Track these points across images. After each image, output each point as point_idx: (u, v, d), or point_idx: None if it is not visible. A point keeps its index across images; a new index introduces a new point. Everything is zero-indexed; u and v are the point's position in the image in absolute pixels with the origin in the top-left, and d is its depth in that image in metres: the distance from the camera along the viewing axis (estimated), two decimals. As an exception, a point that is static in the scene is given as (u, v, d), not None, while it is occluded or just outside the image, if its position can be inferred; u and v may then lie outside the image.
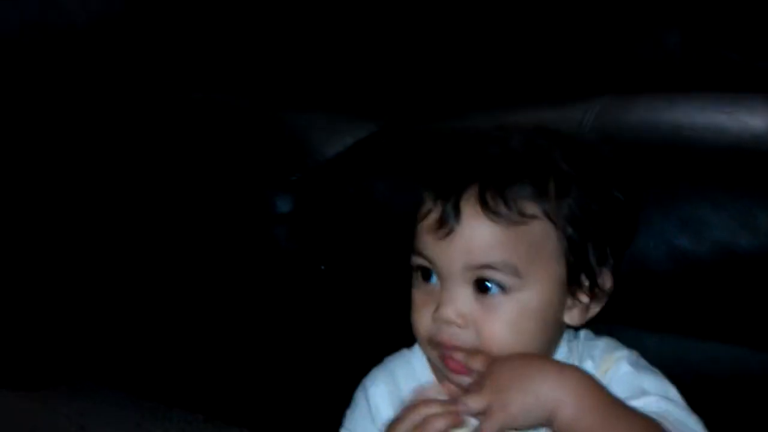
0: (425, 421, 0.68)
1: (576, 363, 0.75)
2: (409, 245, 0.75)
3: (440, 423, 0.68)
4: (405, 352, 0.81)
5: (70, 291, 1.45)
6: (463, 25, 1.49)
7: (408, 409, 0.70)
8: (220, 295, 1.28)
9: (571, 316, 0.74)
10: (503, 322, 0.70)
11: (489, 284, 0.70)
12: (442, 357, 0.73)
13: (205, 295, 1.30)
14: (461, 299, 0.71)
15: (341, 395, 1.22)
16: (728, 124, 0.94)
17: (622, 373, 0.74)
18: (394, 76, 1.51)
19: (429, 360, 0.77)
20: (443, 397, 0.73)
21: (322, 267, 1.18)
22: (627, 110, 1.03)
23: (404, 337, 0.88)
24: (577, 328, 0.77)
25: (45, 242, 1.42)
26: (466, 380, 0.71)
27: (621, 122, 1.00)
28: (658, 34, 1.39)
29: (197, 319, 1.32)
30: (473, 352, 0.71)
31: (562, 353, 0.76)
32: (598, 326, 0.80)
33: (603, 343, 0.77)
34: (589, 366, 0.75)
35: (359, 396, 0.82)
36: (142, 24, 1.68)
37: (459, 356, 0.71)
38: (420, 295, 0.74)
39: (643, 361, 0.76)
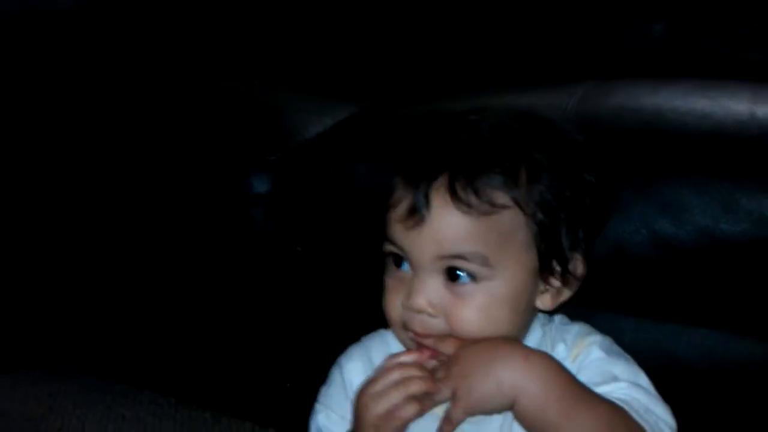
0: (403, 381, 0.69)
1: (548, 347, 0.75)
2: (382, 228, 0.75)
3: (418, 385, 0.69)
4: (382, 331, 0.81)
5: (42, 273, 1.43)
6: (449, 7, 1.48)
7: (384, 370, 0.71)
8: (194, 275, 1.26)
9: (543, 301, 0.74)
10: (474, 309, 0.70)
11: (459, 273, 0.70)
12: (413, 341, 0.73)
13: (179, 275, 1.28)
14: (432, 288, 0.71)
15: (316, 377, 1.21)
16: (711, 109, 0.94)
17: (594, 357, 0.74)
18: (377, 57, 1.50)
19: (402, 342, 0.77)
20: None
21: (299, 248, 1.17)
22: (610, 95, 1.03)
23: (379, 319, 0.87)
24: (552, 313, 0.77)
25: (16, 222, 1.40)
26: (435, 364, 0.71)
27: (604, 107, 0.99)
28: (644, 24, 1.39)
29: (170, 300, 1.31)
30: (444, 336, 0.71)
31: (535, 337, 0.76)
32: (576, 310, 0.80)
33: (576, 328, 0.78)
34: (561, 349, 0.75)
35: (334, 372, 0.82)
36: (126, 5, 1.66)
37: (429, 341, 0.72)
38: (392, 281, 0.74)
39: (616, 347, 0.76)
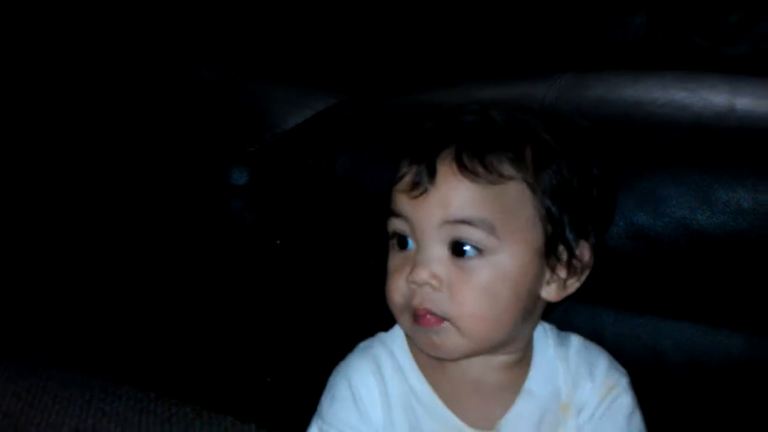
0: None
1: (566, 376, 0.76)
2: (370, 221, 0.75)
3: None
4: (383, 337, 0.78)
5: (18, 268, 1.42)
6: (427, 1, 1.47)
7: None
8: (173, 269, 1.26)
9: (548, 291, 0.73)
10: (477, 286, 0.69)
11: (465, 247, 0.69)
12: (413, 321, 0.71)
13: (158, 269, 1.27)
14: (437, 260, 0.69)
15: (296, 371, 1.21)
16: (690, 101, 0.94)
17: (622, 405, 0.76)
18: (356, 49, 1.49)
19: (406, 338, 0.76)
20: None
21: (278, 241, 1.16)
22: (588, 86, 1.02)
23: (360, 313, 0.87)
24: (552, 307, 0.76)
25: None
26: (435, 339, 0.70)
27: (582, 98, 0.99)
28: (623, 16, 1.38)
29: (148, 294, 1.30)
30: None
31: (546, 355, 0.76)
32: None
33: (605, 362, 0.77)
34: (587, 389, 0.75)
35: (341, 387, 0.76)
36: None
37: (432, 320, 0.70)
38: (396, 262, 0.73)
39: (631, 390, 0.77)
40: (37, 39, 1.53)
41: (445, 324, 0.70)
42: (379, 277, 0.75)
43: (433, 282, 0.69)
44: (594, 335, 0.80)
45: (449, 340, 0.71)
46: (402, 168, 0.72)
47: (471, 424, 0.74)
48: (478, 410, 0.74)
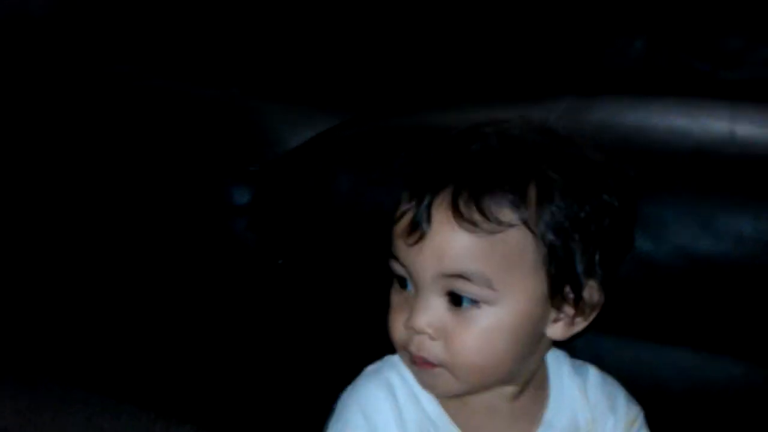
0: None
1: (585, 403, 0.75)
2: (371, 241, 0.74)
3: None
4: (393, 360, 0.75)
5: (20, 284, 1.41)
6: (431, 22, 1.48)
7: None
8: (174, 287, 1.25)
9: (554, 330, 0.70)
10: (475, 336, 0.67)
11: (462, 297, 0.67)
12: (412, 362, 0.71)
13: (159, 287, 1.27)
14: (433, 309, 0.68)
15: (297, 392, 1.21)
16: (690, 128, 0.94)
17: None
18: (359, 69, 1.50)
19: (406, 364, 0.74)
20: None
21: (280, 261, 1.16)
22: (589, 111, 1.03)
23: (361, 333, 0.86)
24: (560, 344, 0.75)
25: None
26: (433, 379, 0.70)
27: (583, 123, 0.99)
28: (624, 40, 1.39)
29: (149, 312, 1.29)
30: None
31: (562, 385, 0.76)
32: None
33: (623, 395, 0.77)
34: (609, 423, 0.75)
35: (353, 414, 0.72)
36: (100, 12, 1.65)
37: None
38: (397, 299, 0.72)
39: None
40: (40, 55, 1.53)
41: (439, 369, 0.69)
42: (382, 298, 0.74)
43: (429, 331, 0.68)
44: (593, 362, 0.80)
45: (442, 382, 0.70)
46: (402, 201, 0.70)
47: None
48: None
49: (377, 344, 0.78)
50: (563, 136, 0.72)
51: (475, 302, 0.67)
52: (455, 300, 0.67)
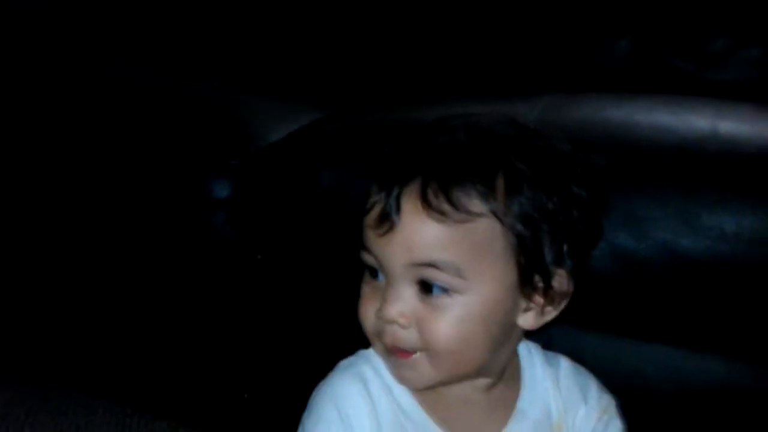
0: None
1: (557, 392, 0.75)
2: (352, 237, 0.73)
3: None
4: (366, 354, 0.75)
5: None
6: (414, 17, 1.47)
7: None
8: (152, 282, 1.24)
9: (525, 319, 0.71)
10: (447, 322, 0.68)
11: (433, 285, 0.68)
12: (386, 352, 0.71)
13: (137, 283, 1.26)
14: (405, 299, 0.68)
15: (274, 387, 1.20)
16: (673, 124, 0.94)
17: (615, 428, 0.76)
18: (341, 63, 1.49)
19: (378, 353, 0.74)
20: None
21: (259, 256, 1.15)
22: (572, 108, 1.03)
23: (340, 328, 0.85)
24: (530, 333, 0.75)
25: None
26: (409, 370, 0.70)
27: (565, 118, 0.99)
28: (608, 40, 1.39)
29: (126, 307, 1.28)
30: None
31: (534, 373, 0.76)
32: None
33: (595, 385, 0.77)
34: (581, 413, 0.75)
35: (327, 408, 0.72)
36: (87, 4, 1.64)
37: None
38: (367, 289, 0.72)
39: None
40: (21, 47, 1.52)
41: (417, 355, 0.69)
42: (359, 293, 0.73)
43: (401, 320, 0.68)
44: (575, 358, 0.79)
45: (419, 371, 0.70)
46: (372, 193, 0.70)
47: None
48: (471, 430, 0.74)
49: (356, 339, 0.77)
50: (531, 129, 0.73)
51: (445, 291, 0.68)
52: (426, 288, 0.68)
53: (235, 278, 1.18)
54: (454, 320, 0.68)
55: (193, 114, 1.25)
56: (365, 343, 0.77)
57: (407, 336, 0.69)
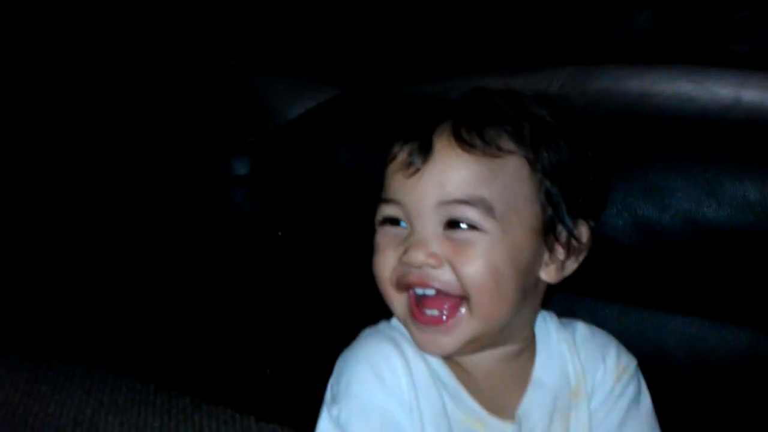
0: None
1: (575, 357, 0.75)
2: (371, 213, 0.72)
3: None
4: (391, 323, 0.74)
5: (20, 258, 1.41)
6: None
7: None
8: (173, 259, 1.25)
9: (548, 272, 0.71)
10: (478, 258, 0.67)
11: (459, 225, 0.67)
12: (410, 308, 0.69)
13: (158, 260, 1.26)
14: (432, 241, 0.67)
15: (295, 363, 1.20)
16: (696, 93, 0.93)
17: (634, 387, 0.76)
18: (359, 40, 1.49)
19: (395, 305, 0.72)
20: None
21: (279, 232, 1.15)
22: (593, 79, 1.02)
23: (360, 303, 0.85)
24: (551, 293, 0.75)
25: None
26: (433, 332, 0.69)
27: (587, 89, 0.98)
28: (629, 13, 1.38)
29: (149, 285, 1.29)
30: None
31: (549, 340, 0.75)
32: (557, 296, 0.78)
33: (614, 345, 0.77)
34: (599, 373, 0.75)
35: (359, 368, 0.70)
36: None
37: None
38: (385, 239, 0.70)
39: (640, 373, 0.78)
40: (39, 29, 1.52)
41: (459, 314, 0.68)
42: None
43: (432, 261, 0.67)
44: (598, 329, 0.79)
45: (460, 328, 0.69)
46: (394, 149, 0.70)
47: (491, 413, 0.72)
48: (494, 400, 0.73)
49: (377, 313, 0.77)
50: (546, 95, 0.78)
51: (473, 229, 0.67)
52: (452, 228, 0.67)
53: (255, 255, 1.18)
54: (484, 258, 0.67)
55: (212, 92, 1.25)
56: (388, 316, 0.77)
57: (442, 275, 0.67)
